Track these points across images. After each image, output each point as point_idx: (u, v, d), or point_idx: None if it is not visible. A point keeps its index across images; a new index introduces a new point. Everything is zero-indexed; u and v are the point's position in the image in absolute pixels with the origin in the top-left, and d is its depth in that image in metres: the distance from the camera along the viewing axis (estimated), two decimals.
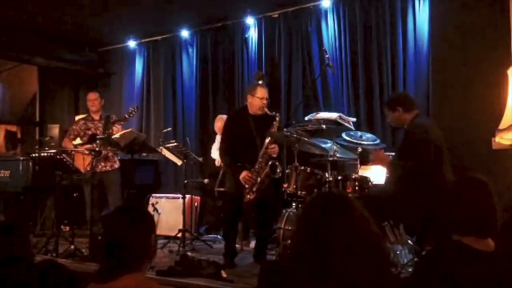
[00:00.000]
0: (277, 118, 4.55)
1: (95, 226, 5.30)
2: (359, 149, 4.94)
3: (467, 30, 5.08)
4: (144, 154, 6.84)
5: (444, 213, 2.09)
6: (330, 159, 5.02)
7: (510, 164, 4.75)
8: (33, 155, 6.28)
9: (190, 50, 7.63)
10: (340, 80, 6.21)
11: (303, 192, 4.91)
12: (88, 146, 5.60)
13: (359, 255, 1.59)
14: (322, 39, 6.35)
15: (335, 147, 5.09)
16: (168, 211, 6.47)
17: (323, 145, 5.16)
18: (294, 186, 4.90)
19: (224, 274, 4.01)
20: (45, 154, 5.82)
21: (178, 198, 6.28)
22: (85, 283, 1.88)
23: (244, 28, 7.06)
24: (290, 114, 6.15)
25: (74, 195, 5.63)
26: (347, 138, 5.12)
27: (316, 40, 6.44)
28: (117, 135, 5.47)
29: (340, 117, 5.39)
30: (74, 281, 2.06)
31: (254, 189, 4.48)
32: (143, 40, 8.06)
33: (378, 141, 5.24)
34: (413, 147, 3.98)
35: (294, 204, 5.14)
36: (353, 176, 4.89)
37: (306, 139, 4.98)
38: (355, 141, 5.09)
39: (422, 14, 5.72)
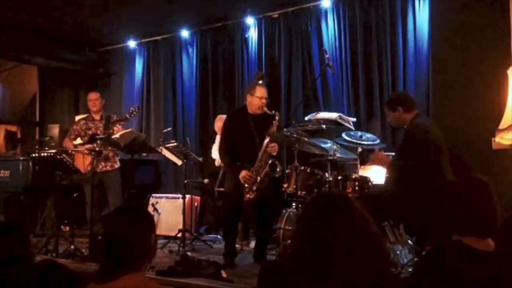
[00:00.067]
0: (277, 117, 4.55)
1: (95, 226, 5.30)
2: (359, 149, 4.94)
3: (467, 30, 5.08)
4: (144, 154, 6.84)
5: (444, 213, 2.09)
6: (330, 159, 5.02)
7: (510, 164, 4.75)
8: (33, 155, 6.28)
9: (190, 50, 7.63)
10: (340, 80, 6.21)
11: (303, 192, 4.91)
12: (89, 146, 5.60)
13: (359, 255, 1.59)
14: (322, 39, 6.35)
15: (335, 147, 5.09)
16: (168, 211, 6.47)
17: (323, 145, 5.16)
18: (294, 186, 4.90)
19: (224, 274, 4.00)
20: (45, 154, 5.82)
21: (178, 198, 6.28)
22: (85, 283, 1.88)
23: (244, 28, 7.06)
24: (290, 114, 6.15)
25: (74, 195, 5.63)
26: (347, 138, 5.12)
27: (316, 40, 6.44)
28: (117, 135, 5.48)
29: (340, 117, 5.39)
30: (74, 281, 2.06)
31: (254, 188, 4.48)
32: (143, 40, 8.06)
33: (378, 141, 5.24)
34: (413, 147, 3.98)
35: (294, 204, 5.14)
36: (353, 176, 4.89)
37: (306, 139, 4.98)
38: (355, 141, 5.09)
39: (422, 14, 5.72)
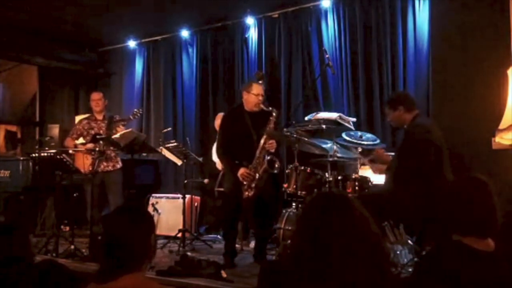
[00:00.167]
0: (274, 114, 4.55)
1: (95, 226, 5.30)
2: (359, 149, 4.94)
3: (467, 30, 5.08)
4: (144, 154, 6.84)
5: (444, 213, 2.09)
6: (330, 159, 5.02)
7: (510, 164, 4.75)
8: (33, 155, 6.28)
9: (190, 50, 7.63)
10: (340, 80, 6.21)
11: (303, 192, 4.91)
12: (91, 145, 5.60)
13: (359, 255, 1.59)
14: (322, 39, 6.35)
15: (335, 147, 5.09)
16: (168, 211, 6.47)
17: (323, 145, 5.16)
18: (294, 186, 4.90)
19: (224, 274, 4.00)
20: (45, 154, 5.83)
21: (178, 198, 6.28)
22: (85, 283, 1.88)
23: (244, 28, 7.06)
24: (290, 114, 6.15)
25: (74, 195, 5.63)
26: (347, 138, 5.12)
27: (316, 40, 6.44)
28: (117, 135, 5.48)
29: (340, 117, 5.39)
30: (74, 281, 2.06)
31: (253, 185, 4.48)
32: (143, 40, 8.06)
33: (378, 141, 5.23)
34: (413, 147, 3.98)
35: (294, 204, 5.14)
36: (353, 176, 4.90)
37: (306, 139, 4.98)
38: (355, 141, 5.08)
39: (422, 14, 5.72)
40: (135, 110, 5.85)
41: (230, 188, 4.68)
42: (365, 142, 5.09)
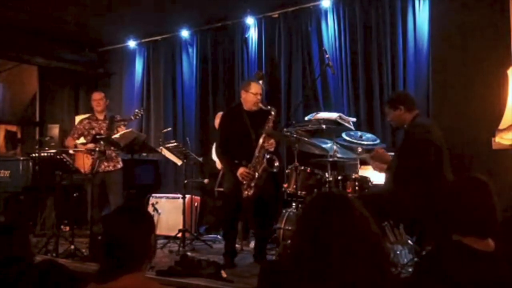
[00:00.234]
0: (273, 112, 4.55)
1: (95, 226, 5.30)
2: (359, 149, 4.94)
3: (467, 30, 5.08)
4: (144, 154, 6.84)
5: (444, 213, 2.09)
6: (330, 159, 5.02)
7: (510, 164, 4.75)
8: (33, 155, 6.28)
9: (190, 50, 7.63)
10: (340, 80, 6.21)
11: (303, 192, 4.91)
12: (91, 145, 5.59)
13: (359, 255, 1.59)
14: (322, 39, 6.35)
15: (335, 147, 5.09)
16: (168, 211, 6.47)
17: (323, 145, 5.16)
18: (294, 186, 4.90)
19: (224, 274, 4.00)
20: (45, 154, 5.83)
21: (178, 198, 6.28)
22: (85, 283, 1.88)
23: (244, 28, 7.06)
24: (290, 114, 6.15)
25: (74, 195, 5.63)
26: (347, 138, 5.12)
27: (316, 40, 6.44)
28: (117, 135, 5.48)
29: (340, 117, 5.39)
30: (74, 281, 2.06)
31: (252, 184, 4.48)
32: (143, 40, 8.06)
33: (378, 141, 5.24)
34: (413, 147, 3.97)
35: (294, 204, 5.14)
36: (353, 176, 4.89)
37: (306, 139, 4.98)
38: (355, 141, 5.08)
39: (422, 14, 5.72)
40: (136, 110, 5.85)
41: (230, 188, 4.68)
42: (365, 142, 5.09)
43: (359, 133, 5.24)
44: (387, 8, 5.93)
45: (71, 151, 5.81)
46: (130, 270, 1.83)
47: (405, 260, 3.69)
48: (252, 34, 6.99)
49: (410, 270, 3.42)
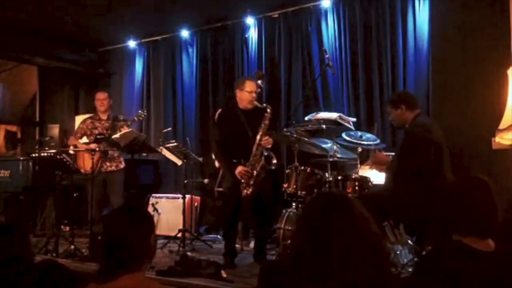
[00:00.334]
0: (268, 110, 4.54)
1: (95, 226, 5.30)
2: (359, 149, 4.94)
3: (467, 30, 5.07)
4: (144, 154, 6.84)
5: (444, 213, 2.09)
6: (330, 159, 5.02)
7: (510, 164, 4.74)
8: (33, 155, 6.28)
9: (190, 50, 7.63)
10: (340, 80, 6.21)
11: (303, 192, 4.91)
12: (94, 145, 5.59)
13: (359, 255, 1.59)
14: (322, 39, 6.35)
15: (335, 147, 5.09)
16: (168, 211, 6.47)
17: (323, 145, 5.16)
18: (294, 186, 4.90)
19: (224, 274, 4.01)
20: (45, 154, 5.83)
21: (178, 198, 6.28)
22: (85, 283, 1.88)
23: (244, 28, 7.06)
24: (290, 114, 6.15)
25: (74, 195, 5.63)
26: (347, 138, 5.12)
27: (316, 40, 6.43)
28: (117, 135, 5.48)
29: (340, 117, 5.39)
30: (74, 281, 2.06)
31: (251, 182, 4.48)
32: (143, 40, 8.05)
33: (378, 141, 5.24)
34: (413, 146, 3.97)
35: (294, 204, 5.14)
36: (353, 176, 4.89)
37: (306, 139, 4.98)
38: (355, 141, 5.08)
39: (422, 14, 5.72)
40: (140, 111, 5.86)
41: (229, 188, 4.68)
42: (365, 142, 5.09)
43: (359, 133, 5.23)
44: (387, 8, 5.93)
45: (71, 151, 5.81)
46: (130, 270, 1.83)
47: (405, 260, 3.68)
48: (252, 34, 6.99)
49: (410, 270, 3.42)
